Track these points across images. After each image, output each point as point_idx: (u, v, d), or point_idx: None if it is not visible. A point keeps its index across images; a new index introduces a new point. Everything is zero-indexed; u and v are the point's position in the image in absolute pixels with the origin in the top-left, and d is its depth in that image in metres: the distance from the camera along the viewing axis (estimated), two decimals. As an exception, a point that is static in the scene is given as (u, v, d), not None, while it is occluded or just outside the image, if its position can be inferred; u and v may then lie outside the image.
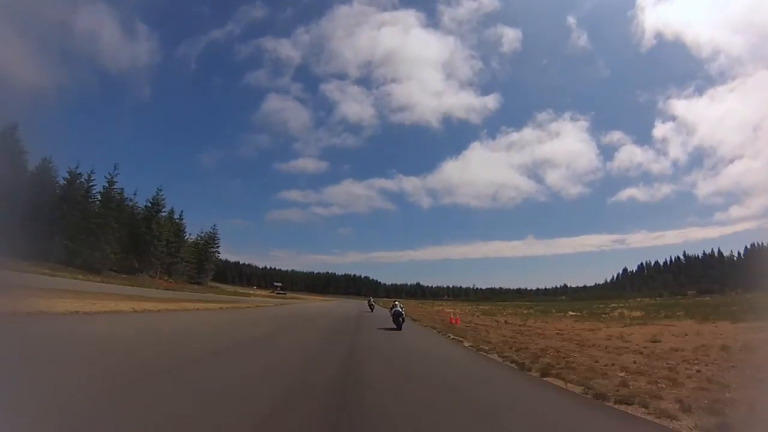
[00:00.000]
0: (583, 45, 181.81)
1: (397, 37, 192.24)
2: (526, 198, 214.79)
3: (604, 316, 34.35)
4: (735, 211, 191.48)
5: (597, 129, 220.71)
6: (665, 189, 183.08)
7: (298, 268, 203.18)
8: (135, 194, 58.27)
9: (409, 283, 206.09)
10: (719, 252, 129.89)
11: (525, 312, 44.35)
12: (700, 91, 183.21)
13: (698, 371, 8.66)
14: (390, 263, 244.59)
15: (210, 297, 42.13)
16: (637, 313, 33.94)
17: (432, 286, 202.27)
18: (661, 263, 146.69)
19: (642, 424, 5.23)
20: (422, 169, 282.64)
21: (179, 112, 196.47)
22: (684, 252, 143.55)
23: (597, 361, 10.22)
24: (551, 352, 12.03)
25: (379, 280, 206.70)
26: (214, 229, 78.18)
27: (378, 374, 8.17)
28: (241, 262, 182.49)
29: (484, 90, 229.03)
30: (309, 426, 4.51)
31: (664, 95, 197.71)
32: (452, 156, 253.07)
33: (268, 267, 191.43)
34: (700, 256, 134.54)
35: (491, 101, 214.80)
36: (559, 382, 7.78)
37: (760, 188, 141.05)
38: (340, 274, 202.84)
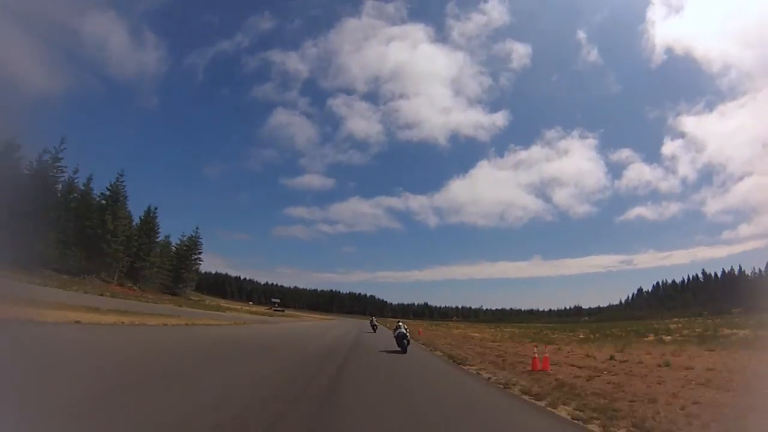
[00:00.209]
0: (593, 60, 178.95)
1: (405, 52, 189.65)
2: (533, 217, 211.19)
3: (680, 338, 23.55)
4: (744, 230, 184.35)
5: (606, 147, 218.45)
6: (673, 207, 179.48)
7: (301, 286, 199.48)
8: (90, 179, 47.87)
9: (416, 303, 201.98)
10: (740, 269, 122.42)
11: (582, 337, 33.15)
12: (710, 107, 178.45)
13: None
14: (396, 283, 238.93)
15: (177, 311, 31.90)
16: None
17: (440, 307, 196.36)
18: (678, 282, 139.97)
19: None
20: (429, 187, 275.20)
21: (185, 123, 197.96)
22: (703, 270, 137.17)
23: None
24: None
25: (385, 300, 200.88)
26: (196, 233, 67.72)
27: None
28: (242, 277, 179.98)
29: (493, 107, 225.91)
30: None
31: (674, 111, 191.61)
32: (459, 174, 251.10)
33: (270, 283, 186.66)
34: (718, 275, 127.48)
35: (500, 118, 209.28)
36: None
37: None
38: (344, 292, 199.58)
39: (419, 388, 8.70)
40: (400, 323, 17.70)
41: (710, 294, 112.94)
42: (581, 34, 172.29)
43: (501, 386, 9.37)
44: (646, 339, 27.47)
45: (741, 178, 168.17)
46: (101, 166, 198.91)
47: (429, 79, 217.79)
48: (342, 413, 5.62)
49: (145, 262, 52.90)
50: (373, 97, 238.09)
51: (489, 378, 10.62)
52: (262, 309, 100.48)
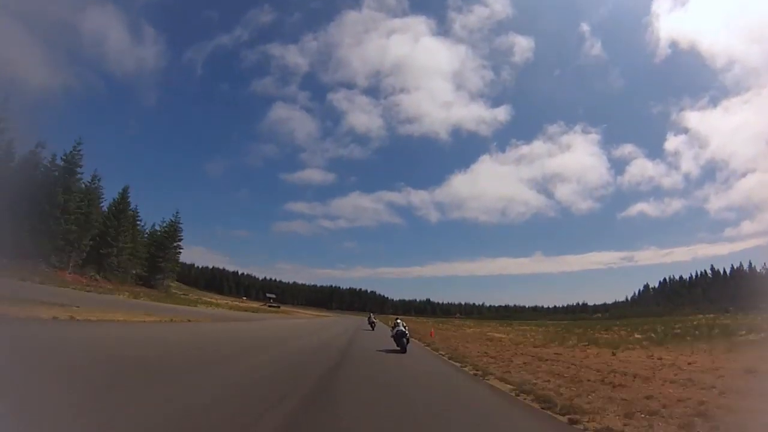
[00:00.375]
0: (597, 54, 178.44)
1: (406, 46, 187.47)
2: (535, 213, 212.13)
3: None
4: (746, 227, 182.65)
5: (608, 142, 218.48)
6: (676, 204, 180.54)
7: (300, 281, 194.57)
8: (40, 147, 40.21)
9: (418, 299, 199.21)
10: (750, 265, 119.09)
11: (638, 336, 26.02)
12: (714, 103, 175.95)
13: None
14: (397, 279, 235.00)
15: (127, 304, 25.14)
16: None
17: (442, 303, 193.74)
18: (686, 278, 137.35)
19: None
20: (430, 182, 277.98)
21: (185, 119, 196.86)
22: (711, 266, 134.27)
23: None
24: None
25: (386, 296, 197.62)
26: (176, 217, 60.21)
27: None
28: (240, 273, 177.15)
29: (495, 101, 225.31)
30: None
31: (678, 106, 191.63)
32: (461, 169, 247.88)
33: (268, 278, 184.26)
34: (727, 271, 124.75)
35: (502, 113, 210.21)
36: None
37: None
38: (344, 288, 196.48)
39: None
40: (399, 320, 16.62)
41: (720, 290, 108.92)
42: (585, 27, 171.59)
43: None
44: (739, 337, 20.43)
45: (744, 175, 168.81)
46: (100, 164, 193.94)
47: (430, 72, 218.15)
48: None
49: (111, 248, 45.87)
50: (373, 91, 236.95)
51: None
52: (255, 305, 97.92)
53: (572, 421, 5.69)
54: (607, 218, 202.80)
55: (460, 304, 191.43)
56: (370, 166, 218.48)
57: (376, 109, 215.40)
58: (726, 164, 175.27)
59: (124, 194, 51.97)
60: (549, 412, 6.26)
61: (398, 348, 14.87)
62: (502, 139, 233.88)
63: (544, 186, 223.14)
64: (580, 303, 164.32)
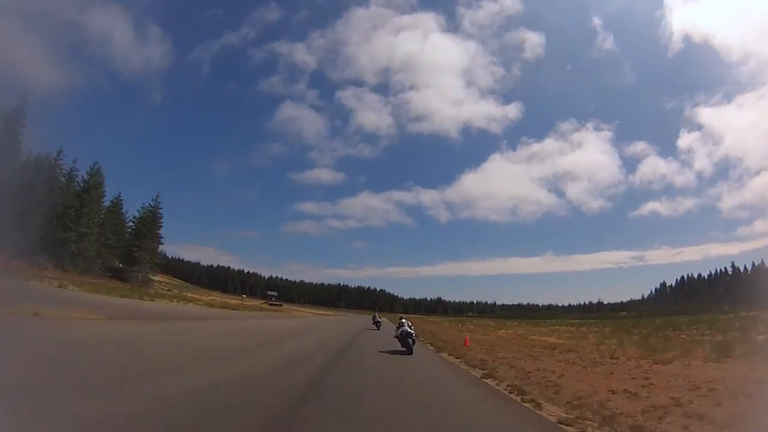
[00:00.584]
0: (609, 48, 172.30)
1: (415, 42, 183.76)
2: (546, 212, 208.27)
3: None
4: (759, 226, 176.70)
5: (620, 139, 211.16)
6: (688, 203, 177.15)
7: (308, 280, 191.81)
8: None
9: (429, 298, 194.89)
10: None
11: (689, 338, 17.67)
12: (728, 98, 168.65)
13: None
14: (407, 278, 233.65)
15: (67, 298, 17.70)
16: None
17: (454, 302, 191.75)
18: (705, 276, 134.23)
19: None
20: (440, 181, 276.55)
21: (191, 118, 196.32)
22: (732, 263, 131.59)
23: None
24: None
25: (396, 294, 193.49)
26: (156, 202, 52.10)
27: None
28: (245, 271, 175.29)
29: (506, 98, 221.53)
30: None
31: (691, 102, 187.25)
32: (471, 168, 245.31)
33: (274, 276, 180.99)
34: (748, 268, 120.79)
35: (512, 110, 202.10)
36: None
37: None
38: (352, 286, 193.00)
39: None
40: (403, 320, 15.04)
41: (742, 288, 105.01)
42: (596, 21, 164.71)
43: None
44: None
45: (758, 173, 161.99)
46: (107, 163, 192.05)
47: (440, 69, 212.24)
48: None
49: (70, 233, 38.64)
50: (383, 88, 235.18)
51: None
52: (252, 302, 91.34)
53: None
54: (618, 217, 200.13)
55: (472, 303, 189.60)
56: (379, 166, 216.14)
57: (385, 107, 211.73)
58: (740, 162, 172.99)
59: (93, 173, 44.84)
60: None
61: (404, 349, 13.76)
62: (513, 137, 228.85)
63: (555, 185, 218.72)
64: (595, 302, 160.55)
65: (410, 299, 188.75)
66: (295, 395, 5.89)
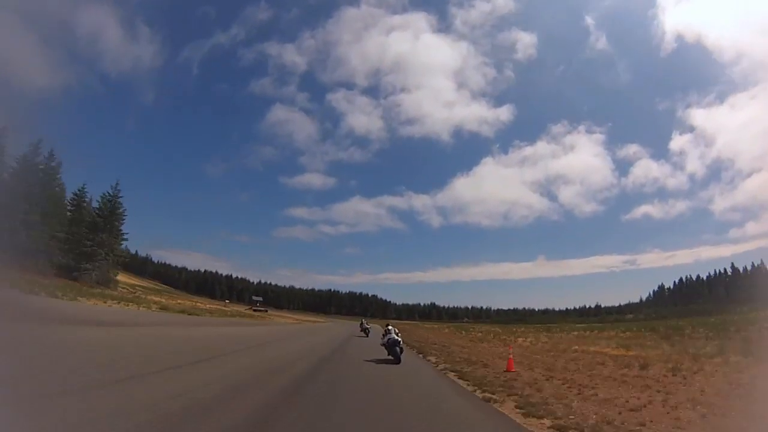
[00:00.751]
0: (602, 48, 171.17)
1: (406, 43, 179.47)
2: (538, 217, 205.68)
3: None
4: (751, 228, 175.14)
5: (613, 142, 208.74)
6: (680, 205, 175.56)
7: (298, 285, 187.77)
8: None
9: (422, 303, 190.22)
10: None
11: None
12: (720, 99, 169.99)
13: None
14: (398, 284, 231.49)
15: None
16: None
17: (448, 307, 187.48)
18: (704, 277, 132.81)
19: None
20: (432, 185, 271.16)
21: (182, 119, 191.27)
22: (732, 264, 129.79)
23: None
24: None
25: (388, 300, 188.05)
26: (115, 190, 45.17)
27: None
28: (233, 276, 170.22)
29: (497, 101, 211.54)
30: None
31: (684, 103, 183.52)
32: (463, 172, 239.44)
33: (263, 282, 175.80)
34: (748, 269, 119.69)
35: (504, 113, 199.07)
36: None
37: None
38: (344, 292, 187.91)
39: None
40: (390, 327, 14.50)
41: (744, 289, 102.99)
42: (589, 20, 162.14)
43: None
44: None
45: (750, 175, 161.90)
46: (98, 165, 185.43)
47: (431, 71, 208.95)
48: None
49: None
50: (373, 91, 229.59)
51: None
52: (242, 308, 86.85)
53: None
54: (611, 221, 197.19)
55: (466, 308, 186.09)
56: (370, 170, 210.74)
57: (376, 110, 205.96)
58: (732, 163, 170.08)
59: (35, 147, 38.12)
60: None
61: (391, 357, 12.81)
62: (505, 140, 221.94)
63: (547, 188, 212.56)
64: (589, 305, 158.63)
65: (403, 305, 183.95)
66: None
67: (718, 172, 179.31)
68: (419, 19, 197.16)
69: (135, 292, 47.02)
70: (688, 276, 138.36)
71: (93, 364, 6.87)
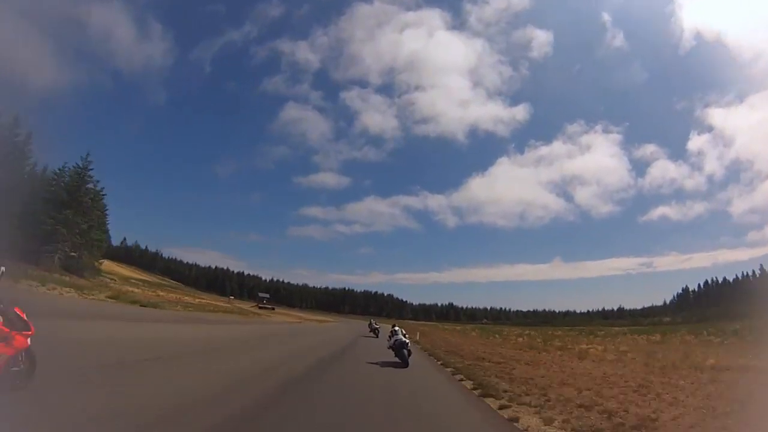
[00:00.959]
0: (618, 45, 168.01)
1: (420, 40, 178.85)
2: (554, 217, 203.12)
3: None
4: None
5: (630, 142, 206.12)
6: (698, 207, 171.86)
7: (311, 284, 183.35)
8: None
9: (440, 304, 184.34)
10: None
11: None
12: (740, 98, 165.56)
13: None
14: (414, 285, 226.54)
15: None
16: None
17: (466, 308, 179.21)
18: (730, 280, 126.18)
19: None
20: (448, 185, 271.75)
21: (194, 119, 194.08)
22: (760, 266, 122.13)
23: None
24: None
25: (404, 299, 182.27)
26: (86, 161, 39.51)
27: None
28: (245, 273, 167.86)
29: (513, 99, 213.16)
30: None
31: (702, 102, 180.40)
32: (479, 172, 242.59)
33: (275, 279, 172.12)
34: None
35: (520, 112, 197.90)
36: None
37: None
38: (358, 290, 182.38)
39: None
40: (396, 328, 14.55)
41: None
42: (606, 17, 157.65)
43: None
44: None
45: None
46: (109, 165, 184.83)
47: (446, 69, 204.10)
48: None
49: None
50: (387, 89, 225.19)
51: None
52: (247, 305, 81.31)
53: None
54: (627, 223, 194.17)
55: (485, 309, 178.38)
56: (385, 169, 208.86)
57: (390, 109, 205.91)
58: (751, 164, 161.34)
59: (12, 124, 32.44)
60: None
61: (398, 360, 12.63)
62: (521, 139, 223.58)
63: (563, 189, 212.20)
64: (613, 308, 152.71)
65: (420, 305, 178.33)
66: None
67: (737, 173, 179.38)
68: (433, 16, 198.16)
69: (113, 282, 40.77)
70: (714, 278, 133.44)
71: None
